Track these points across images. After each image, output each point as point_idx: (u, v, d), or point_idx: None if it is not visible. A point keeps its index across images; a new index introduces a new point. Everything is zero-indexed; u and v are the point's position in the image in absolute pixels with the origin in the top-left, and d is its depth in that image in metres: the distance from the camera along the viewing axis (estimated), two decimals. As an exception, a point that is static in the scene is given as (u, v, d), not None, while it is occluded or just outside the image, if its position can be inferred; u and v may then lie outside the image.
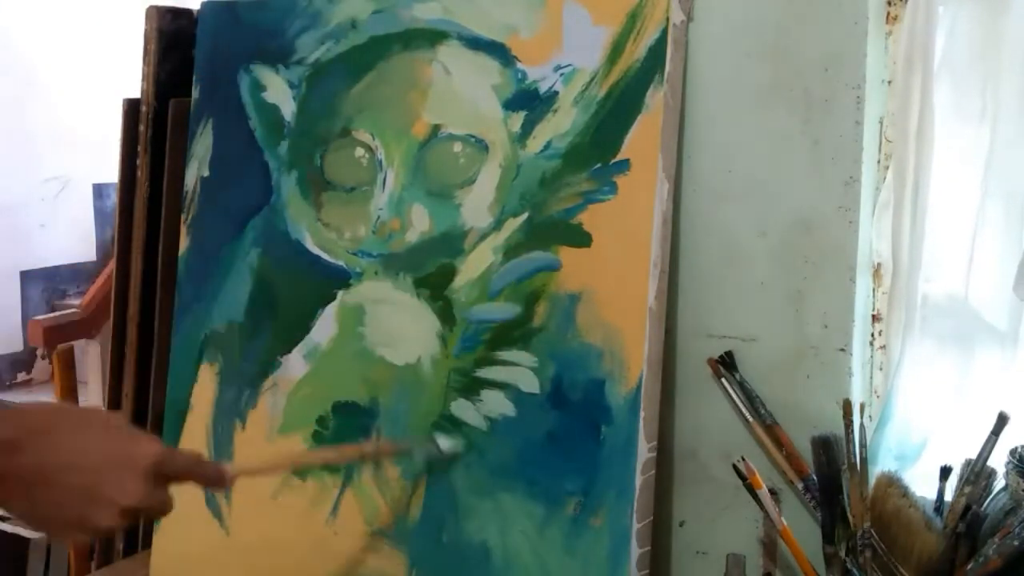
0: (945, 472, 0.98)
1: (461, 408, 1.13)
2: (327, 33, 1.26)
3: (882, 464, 1.03)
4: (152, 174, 1.39)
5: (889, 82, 1.06)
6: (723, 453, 1.11)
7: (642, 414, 1.04)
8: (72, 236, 2.56)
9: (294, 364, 1.23)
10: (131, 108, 1.40)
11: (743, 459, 1.02)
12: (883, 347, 1.09)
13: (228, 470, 0.89)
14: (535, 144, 1.12)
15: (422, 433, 1.14)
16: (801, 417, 1.07)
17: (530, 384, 1.10)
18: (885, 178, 1.07)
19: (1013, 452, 0.94)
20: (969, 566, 0.91)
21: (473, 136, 1.15)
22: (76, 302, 2.17)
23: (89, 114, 2.42)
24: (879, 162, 1.07)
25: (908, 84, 1.03)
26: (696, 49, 1.10)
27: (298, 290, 1.24)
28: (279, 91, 1.28)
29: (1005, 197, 1.03)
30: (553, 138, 1.11)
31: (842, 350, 1.05)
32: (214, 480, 0.88)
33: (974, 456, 0.96)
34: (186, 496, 1.27)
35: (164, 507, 0.83)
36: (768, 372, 1.09)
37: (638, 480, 1.04)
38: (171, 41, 1.38)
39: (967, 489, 0.95)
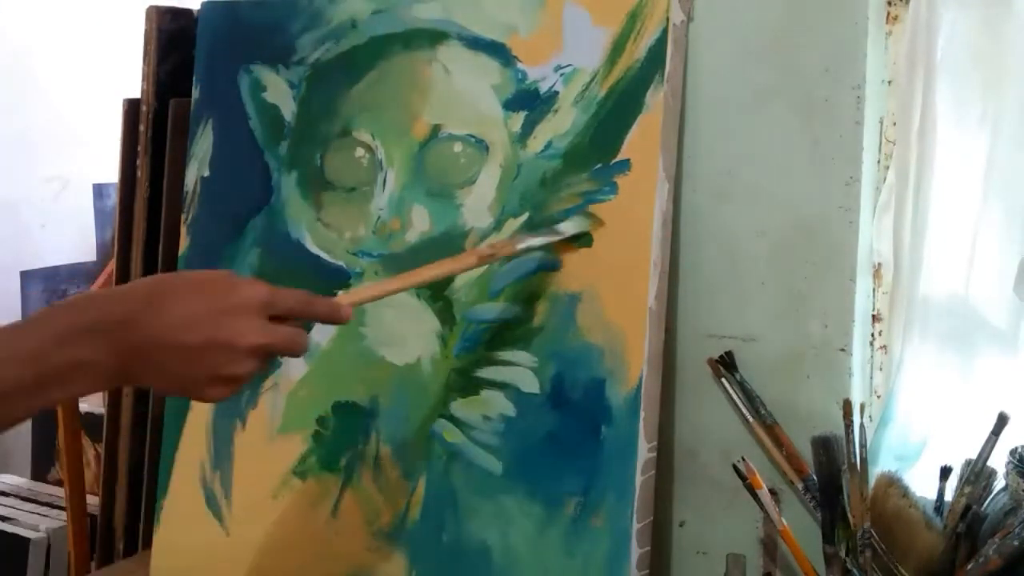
0: (945, 472, 0.98)
1: (461, 408, 1.13)
2: (327, 33, 1.26)
3: (882, 464, 1.03)
4: (152, 174, 1.39)
5: (889, 82, 1.06)
6: (723, 453, 1.11)
7: (642, 414, 1.04)
8: (72, 236, 2.55)
9: (294, 364, 1.23)
10: (131, 108, 1.40)
11: (743, 459, 1.02)
12: (883, 347, 1.09)
13: (341, 302, 0.89)
14: (535, 144, 1.12)
15: (422, 430, 1.14)
16: (801, 417, 1.07)
17: (530, 384, 1.10)
18: (885, 178, 1.07)
19: (1013, 452, 0.94)
20: (969, 566, 0.91)
21: (473, 136, 1.15)
22: (76, 302, 2.16)
23: (89, 114, 2.42)
24: (879, 162, 1.07)
25: (910, 85, 1.03)
26: (696, 49, 1.10)
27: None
28: (279, 91, 1.28)
29: (1006, 198, 1.03)
30: (553, 138, 1.11)
31: (842, 350, 1.05)
32: (329, 316, 0.88)
33: (974, 456, 0.96)
34: (186, 496, 1.27)
35: (294, 343, 0.83)
36: (768, 372, 1.09)
37: (638, 480, 1.04)
38: (171, 41, 1.38)
39: (967, 489, 0.95)
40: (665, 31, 1.06)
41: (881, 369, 1.10)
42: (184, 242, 1.33)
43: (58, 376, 0.75)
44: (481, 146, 1.15)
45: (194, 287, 0.80)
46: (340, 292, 1.03)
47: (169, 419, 1.31)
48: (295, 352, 0.85)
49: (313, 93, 1.26)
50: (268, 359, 0.83)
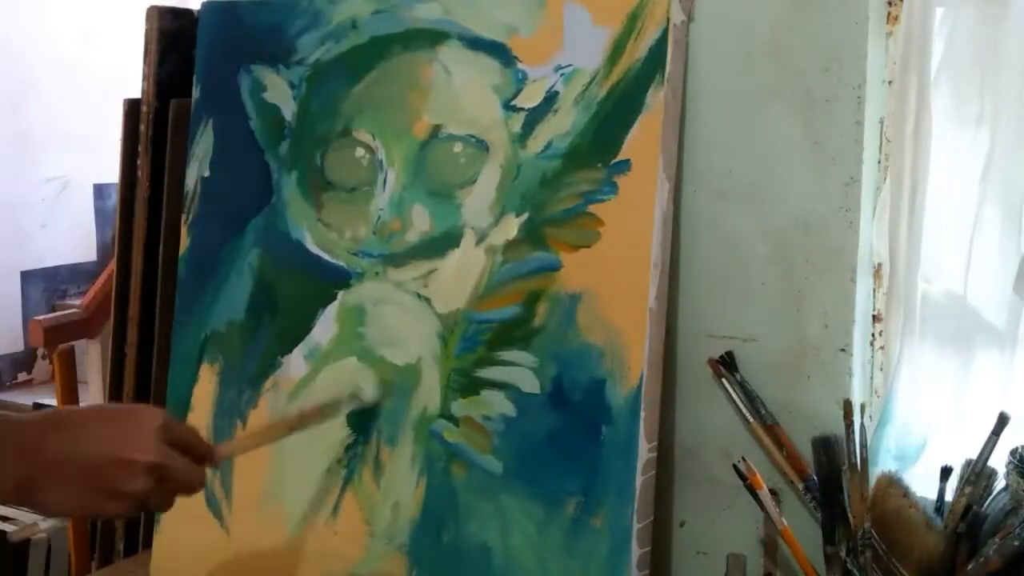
0: (945, 472, 0.99)
1: (461, 408, 1.13)
2: (328, 33, 1.26)
3: (882, 464, 1.03)
4: (153, 174, 1.39)
5: (890, 82, 1.06)
6: (723, 453, 1.11)
7: (642, 414, 1.04)
8: (73, 236, 2.56)
9: (295, 364, 1.23)
10: (131, 108, 1.40)
11: (743, 459, 1.02)
12: (883, 347, 1.09)
13: (218, 452, 0.97)
14: (536, 144, 1.12)
15: (422, 430, 1.14)
16: (801, 417, 1.07)
17: (530, 384, 1.10)
18: (886, 178, 1.07)
19: (1013, 452, 0.94)
20: (969, 566, 0.91)
21: (473, 136, 1.15)
22: (76, 302, 2.17)
23: (89, 114, 2.42)
24: (879, 162, 1.07)
25: (904, 86, 1.03)
26: (696, 49, 1.10)
27: (299, 290, 1.24)
28: (279, 91, 1.28)
29: (1003, 197, 1.03)
30: (554, 138, 1.11)
31: (842, 350, 1.05)
32: (204, 455, 0.94)
33: (974, 456, 0.96)
34: (186, 496, 1.27)
35: (190, 473, 0.91)
36: (769, 372, 1.09)
37: (638, 480, 1.04)
38: (171, 41, 1.38)
39: (968, 489, 0.95)
40: (665, 31, 1.06)
41: (881, 369, 1.10)
42: (184, 242, 1.33)
43: None
44: (481, 146, 1.15)
45: (95, 411, 0.91)
46: (220, 444, 1.10)
47: (169, 419, 1.31)
48: (191, 484, 0.91)
49: (313, 93, 1.26)
50: (164, 484, 0.88)
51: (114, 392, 1.42)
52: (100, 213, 2.55)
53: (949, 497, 0.97)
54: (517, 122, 1.13)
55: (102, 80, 2.38)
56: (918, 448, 1.06)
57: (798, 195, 1.06)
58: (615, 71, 1.09)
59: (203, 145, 1.32)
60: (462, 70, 1.17)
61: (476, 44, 1.16)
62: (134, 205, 1.40)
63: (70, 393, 1.54)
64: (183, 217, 1.33)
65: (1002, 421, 0.94)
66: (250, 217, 1.28)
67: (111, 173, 1.49)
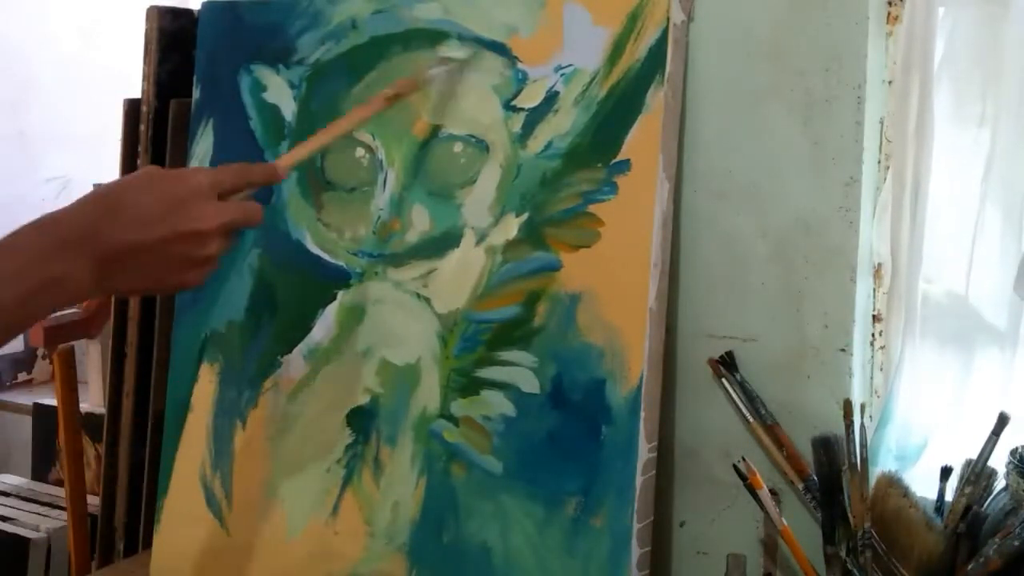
0: (945, 472, 0.99)
1: (461, 408, 1.13)
2: (328, 33, 1.26)
3: (882, 464, 1.03)
4: (152, 174, 1.38)
5: (890, 82, 1.06)
6: (723, 453, 1.11)
7: (642, 414, 1.04)
8: (72, 236, 2.55)
9: (294, 364, 1.23)
10: (131, 108, 1.40)
11: (743, 459, 1.02)
12: (883, 347, 1.09)
13: (277, 164, 0.95)
14: (536, 144, 1.12)
15: (422, 430, 1.14)
16: (801, 417, 1.07)
17: (530, 384, 1.10)
18: (886, 178, 1.07)
19: (1014, 452, 0.94)
20: (970, 566, 0.91)
21: (473, 136, 1.15)
22: (76, 302, 2.16)
23: (89, 114, 2.42)
24: (880, 162, 1.07)
25: (906, 85, 1.03)
26: (696, 49, 1.10)
27: (298, 290, 1.24)
28: (280, 91, 1.28)
29: (1004, 197, 1.03)
30: (554, 138, 1.11)
31: (843, 350, 1.05)
32: (266, 178, 0.92)
33: (975, 456, 0.96)
34: (186, 496, 1.27)
35: (250, 213, 0.88)
36: (769, 372, 1.09)
37: (638, 480, 1.04)
38: (171, 41, 1.38)
39: (968, 489, 0.95)
40: (665, 31, 1.06)
41: (882, 369, 1.10)
42: (184, 242, 1.32)
43: (38, 294, 0.78)
44: (481, 146, 1.15)
45: (143, 187, 0.83)
46: (278, 159, 1.02)
47: (169, 419, 1.31)
48: (254, 221, 0.89)
49: (314, 93, 1.26)
50: (233, 235, 0.87)
51: (114, 392, 1.43)
52: (100, 213, 2.55)
53: (949, 497, 0.97)
54: (517, 122, 1.13)
55: (102, 80, 2.38)
56: (918, 448, 1.06)
57: (798, 195, 1.06)
58: (615, 71, 1.09)
59: (203, 145, 1.32)
60: (462, 70, 1.17)
61: (476, 44, 1.16)
62: (134, 205, 1.40)
63: (70, 393, 1.54)
64: (183, 217, 1.33)
65: (1002, 421, 0.94)
66: (250, 217, 1.28)
67: (111, 173, 1.49)
